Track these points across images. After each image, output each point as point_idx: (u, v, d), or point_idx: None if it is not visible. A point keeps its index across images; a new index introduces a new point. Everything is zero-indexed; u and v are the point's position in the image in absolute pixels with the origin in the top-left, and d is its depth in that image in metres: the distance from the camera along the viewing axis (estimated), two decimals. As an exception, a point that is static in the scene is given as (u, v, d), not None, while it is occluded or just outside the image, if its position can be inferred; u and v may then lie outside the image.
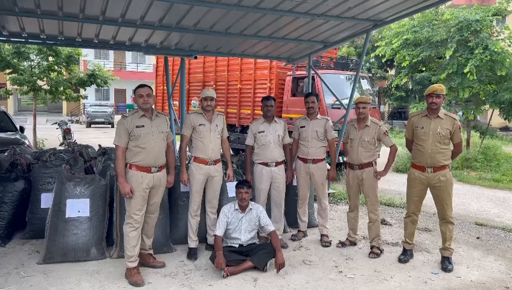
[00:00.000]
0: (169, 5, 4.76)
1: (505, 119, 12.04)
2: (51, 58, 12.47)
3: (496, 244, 5.14)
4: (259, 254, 4.06)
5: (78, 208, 4.21)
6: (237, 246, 4.22)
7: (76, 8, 4.90)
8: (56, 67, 12.58)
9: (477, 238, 5.37)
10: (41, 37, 6.30)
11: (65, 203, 4.19)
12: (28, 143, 7.76)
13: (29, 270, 3.93)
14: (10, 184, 4.74)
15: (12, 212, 4.66)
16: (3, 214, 4.59)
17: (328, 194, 5.48)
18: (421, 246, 4.92)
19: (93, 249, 4.19)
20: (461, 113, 11.82)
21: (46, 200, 4.56)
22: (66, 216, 4.16)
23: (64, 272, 3.89)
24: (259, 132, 4.73)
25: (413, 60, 11.04)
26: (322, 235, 4.98)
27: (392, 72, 20.07)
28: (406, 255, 4.47)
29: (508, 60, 9.91)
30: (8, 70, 12.36)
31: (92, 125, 25.44)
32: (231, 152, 5.61)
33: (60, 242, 4.09)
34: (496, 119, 13.25)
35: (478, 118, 14.42)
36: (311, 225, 5.36)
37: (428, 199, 4.41)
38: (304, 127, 4.93)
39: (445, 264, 4.27)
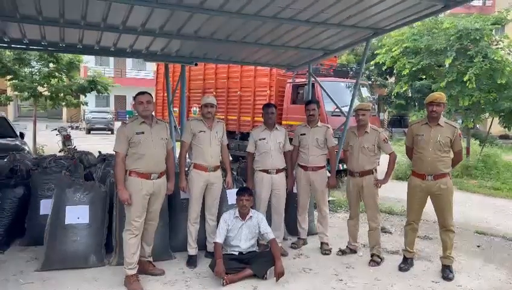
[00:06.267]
0: (170, 12, 4.79)
1: (505, 127, 12.04)
2: (51, 65, 12.50)
3: (496, 253, 5.12)
4: (259, 262, 4.04)
5: (78, 214, 4.19)
6: (237, 253, 4.20)
7: (78, 15, 4.92)
8: (57, 73, 12.61)
9: (478, 246, 5.35)
10: (43, 43, 6.31)
11: (64, 209, 4.17)
12: (27, 149, 7.76)
13: (28, 277, 3.90)
14: (9, 190, 4.73)
15: (11, 218, 4.64)
16: (2, 221, 4.58)
17: (328, 201, 5.48)
18: (422, 254, 4.90)
19: (92, 256, 4.17)
20: (461, 121, 11.83)
21: (45, 206, 4.54)
22: (65, 223, 4.14)
23: (63, 280, 3.87)
24: (260, 139, 4.73)
25: (413, 68, 11.06)
26: (322, 243, 4.96)
27: (392, 79, 20.10)
28: (406, 264, 4.45)
29: (507, 68, 9.93)
30: (8, 77, 12.38)
31: (91, 132, 25.42)
32: (231, 159, 5.60)
33: (58, 249, 4.07)
34: (495, 127, 13.25)
35: (477, 126, 14.43)
36: (311, 232, 5.34)
37: (429, 207, 4.40)
38: (304, 134, 4.93)
39: (446, 272, 4.24)
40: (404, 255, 4.53)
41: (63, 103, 13.75)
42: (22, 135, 8.47)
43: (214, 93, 11.62)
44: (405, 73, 11.41)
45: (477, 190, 9.36)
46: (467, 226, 6.28)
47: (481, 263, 4.75)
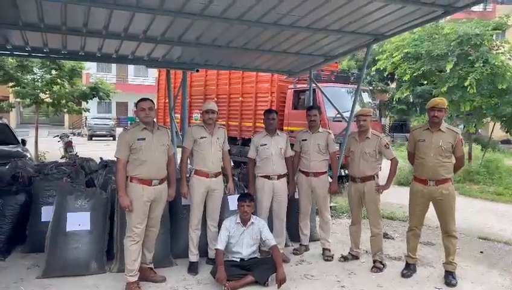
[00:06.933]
0: (171, 19, 4.81)
1: (507, 132, 12.02)
2: (54, 72, 12.56)
3: (499, 259, 5.08)
4: (261, 269, 4.02)
5: (79, 221, 4.19)
6: (238, 260, 4.18)
7: (80, 23, 4.95)
8: (59, 80, 12.66)
9: (481, 252, 5.32)
10: (45, 50, 6.34)
11: (65, 216, 4.17)
12: (29, 156, 7.77)
13: (29, 284, 3.89)
14: (11, 197, 4.73)
15: (12, 225, 4.63)
16: (3, 228, 4.57)
17: (330, 207, 5.46)
18: (424, 260, 4.87)
19: (93, 263, 4.15)
20: (462, 127, 11.81)
21: (47, 213, 4.54)
22: (66, 230, 4.13)
23: (64, 287, 3.85)
24: (261, 145, 4.73)
25: (414, 74, 11.07)
26: (324, 249, 4.94)
27: (393, 85, 20.11)
28: (409, 270, 4.43)
29: (508, 73, 9.93)
30: (11, 84, 12.44)
31: (93, 138, 25.48)
32: (232, 164, 5.61)
33: (59, 256, 4.06)
34: (497, 132, 13.23)
35: (479, 131, 14.41)
36: (313, 238, 5.32)
37: (431, 213, 4.38)
38: (306, 140, 4.93)
39: (449, 279, 4.21)
40: (406, 261, 4.51)
41: (65, 110, 13.80)
42: (23, 142, 8.49)
43: (216, 99, 11.65)
44: (406, 78, 11.41)
45: (479, 195, 9.33)
46: (470, 231, 6.25)
47: (484, 268, 4.72)
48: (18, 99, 13.80)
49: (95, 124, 26.37)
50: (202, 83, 12.43)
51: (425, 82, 12.27)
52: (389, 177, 4.60)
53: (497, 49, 10.85)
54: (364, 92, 10.75)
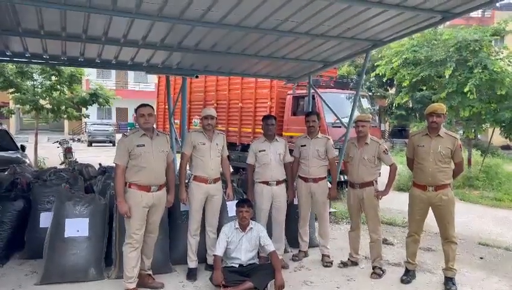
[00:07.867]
0: (170, 25, 4.83)
1: (506, 138, 12.02)
2: (53, 78, 12.59)
3: (499, 265, 5.07)
4: (260, 275, 4.00)
5: (77, 227, 4.17)
6: (237, 266, 4.17)
7: (79, 29, 4.97)
8: (59, 86, 12.69)
9: (481, 258, 5.30)
10: (44, 57, 6.37)
11: (64, 222, 4.15)
12: (28, 162, 7.77)
13: (27, 291, 3.87)
14: (9, 203, 4.72)
15: (11, 232, 4.61)
16: (2, 234, 4.55)
17: (329, 213, 5.45)
18: (424, 266, 4.85)
19: (92, 270, 4.14)
20: (462, 132, 11.82)
21: (45, 219, 4.53)
22: (65, 236, 4.12)
23: (62, 293, 3.84)
24: (260, 151, 4.73)
25: (413, 79, 11.10)
26: (323, 255, 4.92)
27: (393, 90, 20.16)
28: (408, 276, 4.41)
29: (507, 79, 9.95)
30: (11, 90, 12.46)
31: (93, 144, 25.49)
32: (231, 170, 5.60)
33: (58, 262, 4.04)
34: (497, 137, 13.23)
35: (479, 136, 14.40)
36: (312, 244, 5.30)
37: (431, 219, 4.37)
38: (305, 146, 4.93)
39: (449, 285, 4.20)
40: (406, 267, 4.50)
41: (65, 116, 13.81)
42: (23, 148, 8.50)
43: (215, 105, 11.67)
44: (405, 84, 11.44)
45: (479, 201, 9.30)
46: (470, 237, 6.23)
47: (484, 275, 4.70)
48: (18, 106, 13.81)
49: (94, 130, 26.42)
50: (202, 88, 12.46)
51: (425, 88, 12.29)
52: (388, 183, 4.60)
53: (495, 55, 10.88)
54: (363, 97, 10.78)
